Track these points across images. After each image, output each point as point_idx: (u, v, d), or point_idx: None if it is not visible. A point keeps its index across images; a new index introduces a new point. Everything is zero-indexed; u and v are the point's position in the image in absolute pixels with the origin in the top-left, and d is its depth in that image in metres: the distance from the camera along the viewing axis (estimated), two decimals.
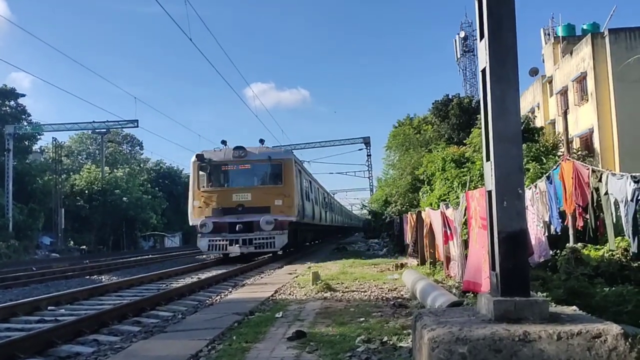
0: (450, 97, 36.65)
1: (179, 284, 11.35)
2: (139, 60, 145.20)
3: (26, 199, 40.79)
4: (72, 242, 44.30)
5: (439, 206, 15.53)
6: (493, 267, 4.32)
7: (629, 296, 6.40)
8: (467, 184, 16.19)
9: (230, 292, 10.49)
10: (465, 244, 8.95)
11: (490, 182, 4.39)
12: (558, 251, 9.69)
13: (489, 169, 4.42)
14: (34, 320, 7.78)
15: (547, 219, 10.36)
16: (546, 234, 10.14)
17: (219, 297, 9.85)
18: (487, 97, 4.42)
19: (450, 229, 10.58)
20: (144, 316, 7.81)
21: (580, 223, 9.81)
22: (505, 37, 4.40)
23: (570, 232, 9.78)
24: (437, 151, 27.74)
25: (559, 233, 10.29)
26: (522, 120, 15.34)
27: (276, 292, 9.92)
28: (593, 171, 9.35)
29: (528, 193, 10.07)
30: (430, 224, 12.72)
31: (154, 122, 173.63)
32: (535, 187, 10.91)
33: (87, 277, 15.72)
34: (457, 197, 17.91)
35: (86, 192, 47.03)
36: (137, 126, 43.45)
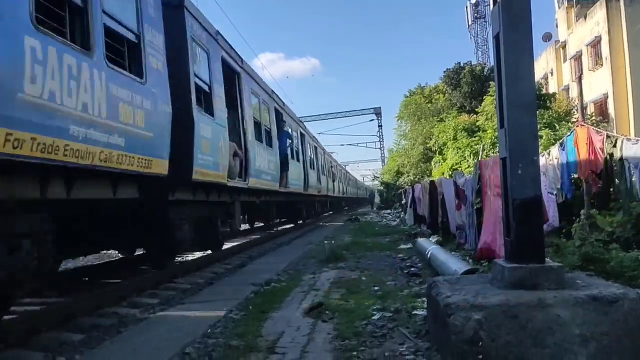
0: (462, 65, 36.22)
1: (195, 257, 11.48)
2: None
3: None
4: None
5: (451, 176, 15.51)
6: (508, 235, 4.33)
7: None
8: (480, 152, 16.14)
9: (247, 263, 10.60)
10: (479, 212, 8.95)
11: (504, 150, 4.38)
12: (574, 218, 9.66)
13: (503, 136, 4.40)
14: (55, 294, 7.93)
15: (559, 186, 10.33)
16: (557, 201, 10.12)
17: (236, 268, 9.96)
18: (501, 63, 4.38)
19: (461, 198, 10.57)
20: (162, 289, 7.92)
21: (594, 189, 9.77)
22: (519, 2, 4.33)
23: (585, 198, 9.73)
24: (449, 120, 27.60)
25: (569, 199, 10.27)
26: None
27: (291, 262, 10.02)
28: (608, 137, 9.26)
29: (541, 160, 10.02)
30: (443, 193, 12.70)
31: None
32: (549, 154, 10.85)
33: (104, 251, 15.91)
34: (470, 167, 17.87)
35: None
36: None
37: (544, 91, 25.67)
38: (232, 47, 11.10)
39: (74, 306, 6.27)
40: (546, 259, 4.15)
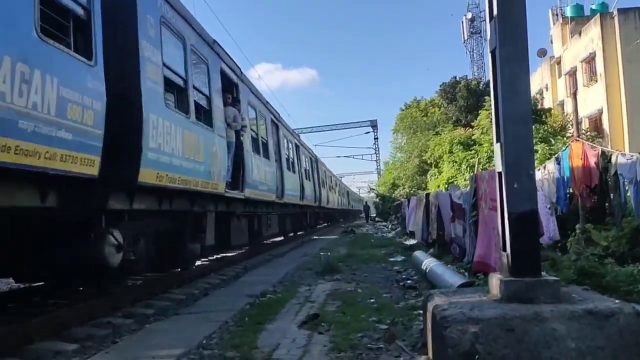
0: (457, 79, 36.45)
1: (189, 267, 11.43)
2: None
3: None
4: None
5: (446, 189, 15.54)
6: (504, 248, 4.34)
7: None
8: (475, 166, 16.19)
9: (242, 274, 10.57)
10: (475, 225, 8.97)
11: (500, 164, 4.39)
12: (569, 232, 9.69)
13: (499, 151, 4.42)
14: (50, 303, 7.88)
15: (554, 200, 10.39)
16: (554, 214, 10.16)
17: (231, 279, 9.93)
18: (497, 78, 4.41)
19: (456, 211, 10.60)
20: (157, 299, 7.88)
21: (588, 203, 9.83)
22: (515, 17, 4.37)
23: (580, 212, 9.78)
24: (445, 133, 27.74)
25: (564, 213, 10.32)
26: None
27: (286, 274, 10.00)
28: (602, 152, 9.33)
29: (537, 174, 10.08)
30: (439, 206, 12.71)
31: None
32: (544, 168, 10.92)
33: None
34: (465, 180, 17.92)
35: None
36: None
37: (539, 106, 25.83)
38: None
39: (67, 315, 6.24)
40: (542, 273, 4.16)
